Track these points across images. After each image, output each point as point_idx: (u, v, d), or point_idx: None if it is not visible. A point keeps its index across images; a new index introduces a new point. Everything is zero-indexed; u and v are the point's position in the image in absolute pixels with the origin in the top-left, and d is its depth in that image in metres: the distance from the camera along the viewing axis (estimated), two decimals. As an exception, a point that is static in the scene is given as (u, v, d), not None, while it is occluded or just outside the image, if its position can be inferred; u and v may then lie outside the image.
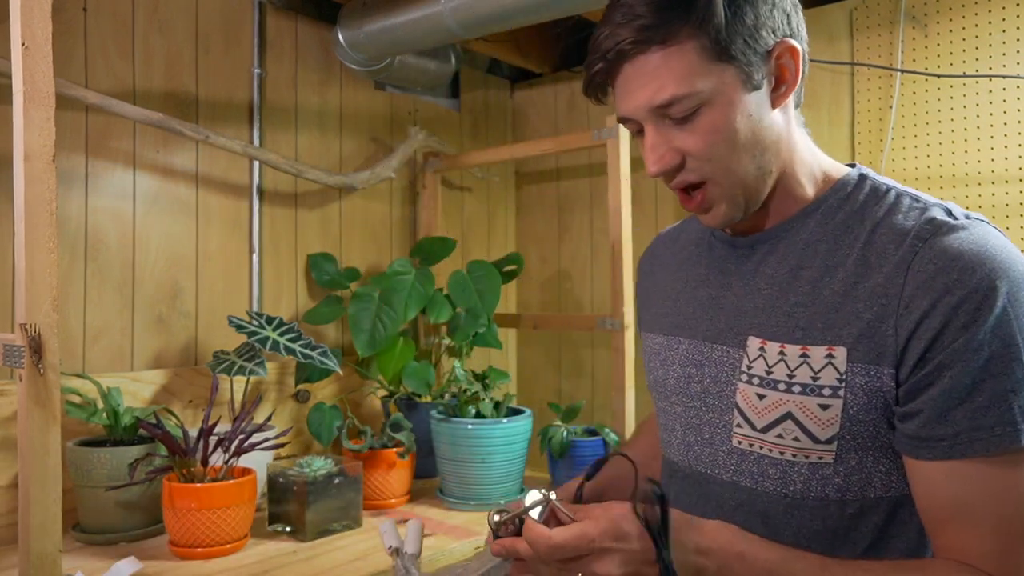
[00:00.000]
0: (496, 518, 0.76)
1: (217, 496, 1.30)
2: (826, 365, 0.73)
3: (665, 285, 0.97)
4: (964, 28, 1.76)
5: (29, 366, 0.93)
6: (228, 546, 1.32)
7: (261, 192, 1.87)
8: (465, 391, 1.74)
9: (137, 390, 1.59)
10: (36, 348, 0.93)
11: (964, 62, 1.76)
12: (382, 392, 1.95)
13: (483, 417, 1.68)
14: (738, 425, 0.80)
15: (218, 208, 1.79)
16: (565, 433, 1.73)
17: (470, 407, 1.70)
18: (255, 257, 1.84)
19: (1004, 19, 1.72)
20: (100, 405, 1.44)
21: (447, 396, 1.80)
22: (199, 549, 1.30)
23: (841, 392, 0.72)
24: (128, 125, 1.63)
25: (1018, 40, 1.70)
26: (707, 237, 0.92)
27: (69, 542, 1.35)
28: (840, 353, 0.73)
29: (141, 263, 1.66)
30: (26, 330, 0.93)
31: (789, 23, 0.78)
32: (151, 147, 1.68)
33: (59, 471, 0.95)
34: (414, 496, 1.70)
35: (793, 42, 0.77)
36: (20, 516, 0.95)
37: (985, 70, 1.74)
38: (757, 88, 0.76)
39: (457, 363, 1.87)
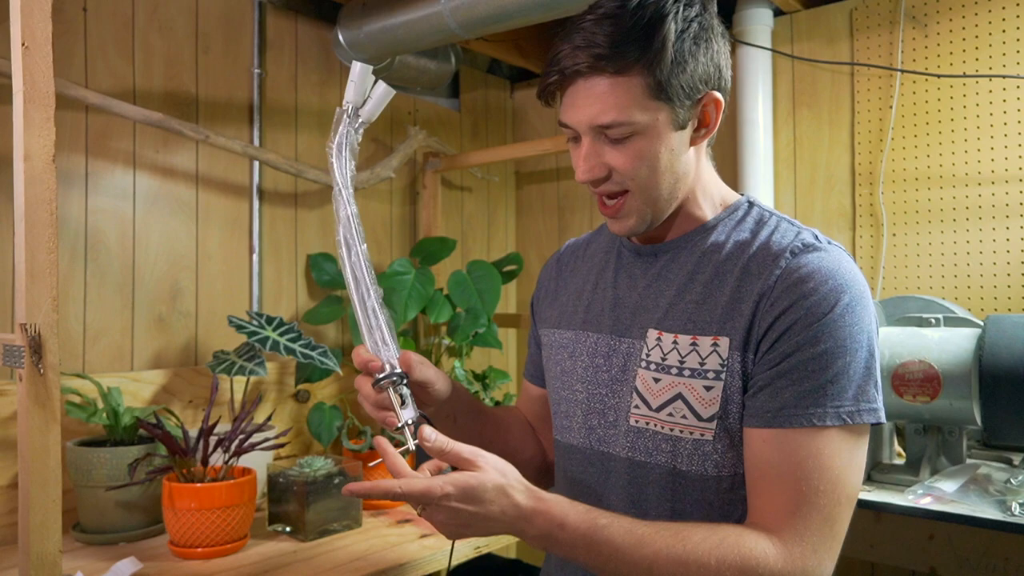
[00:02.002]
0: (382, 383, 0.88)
1: (217, 496, 1.30)
2: (712, 352, 0.86)
3: (574, 287, 1.07)
4: (964, 28, 1.76)
5: (29, 366, 0.93)
6: (228, 546, 1.32)
7: (261, 192, 1.87)
8: (465, 391, 1.74)
9: (137, 390, 1.59)
10: (36, 348, 0.93)
11: (964, 62, 1.76)
12: (382, 392, 1.95)
13: (483, 417, 1.67)
14: (635, 406, 0.91)
15: (218, 208, 1.79)
16: (565, 433, 1.73)
17: (470, 407, 1.70)
18: (255, 257, 1.84)
19: (1004, 19, 1.72)
20: (100, 405, 1.44)
21: (447, 396, 1.80)
22: (199, 549, 1.30)
23: (723, 375, 0.85)
24: (128, 125, 1.63)
25: (1018, 40, 1.70)
26: (616, 246, 1.03)
27: (69, 542, 1.35)
28: (724, 342, 0.86)
29: (141, 263, 1.66)
30: (26, 330, 0.93)
31: (720, 76, 0.89)
32: (151, 147, 1.68)
33: (59, 471, 0.95)
34: (414, 496, 1.70)
35: (718, 95, 0.89)
36: (20, 516, 0.95)
37: (985, 70, 1.74)
38: (682, 128, 0.88)
39: (457, 363, 1.88)
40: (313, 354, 1.58)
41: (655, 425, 0.89)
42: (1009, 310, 1.70)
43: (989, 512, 1.24)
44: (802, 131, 2.00)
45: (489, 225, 2.52)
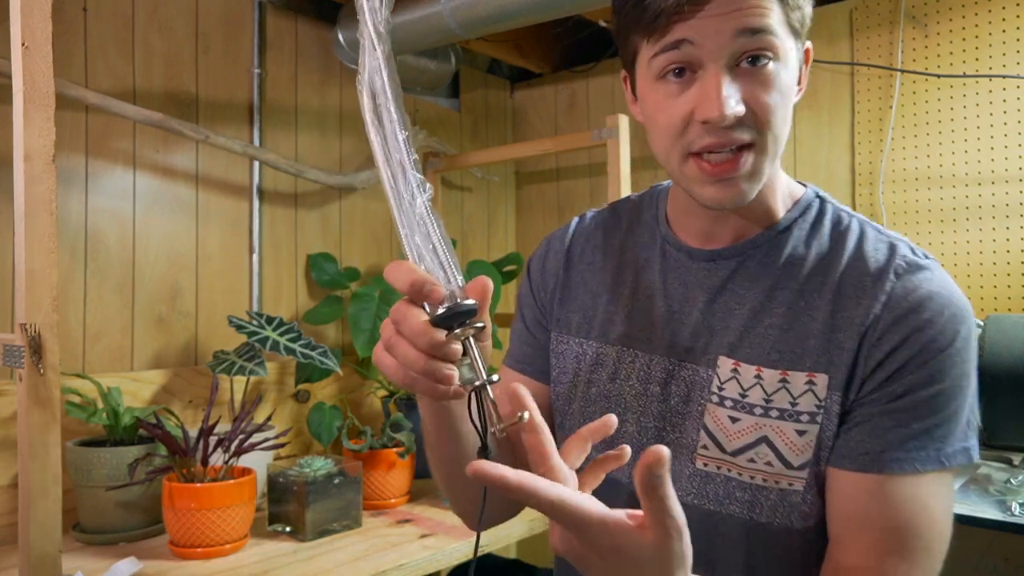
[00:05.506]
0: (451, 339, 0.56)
1: (217, 496, 1.30)
2: (806, 391, 0.74)
3: (596, 285, 0.90)
4: (964, 28, 1.76)
5: (29, 366, 0.93)
6: (228, 546, 1.32)
7: (261, 192, 1.87)
8: (465, 391, 1.73)
9: (137, 390, 1.59)
10: (36, 348, 0.93)
11: (964, 62, 1.76)
12: (382, 392, 1.95)
13: (483, 417, 1.68)
14: (703, 447, 0.77)
15: (218, 208, 1.79)
16: (565, 433, 1.73)
17: (470, 407, 1.70)
18: (255, 257, 1.84)
19: (1004, 19, 1.72)
20: (100, 405, 1.44)
21: (447, 396, 1.80)
22: (199, 549, 1.30)
23: (819, 418, 0.73)
24: (128, 125, 1.63)
25: (1018, 40, 1.70)
26: (659, 242, 0.87)
27: (69, 542, 1.35)
28: (821, 380, 0.73)
29: (141, 263, 1.66)
30: (26, 330, 0.93)
31: (809, 30, 0.77)
32: (151, 147, 1.68)
33: (59, 471, 0.95)
34: (414, 496, 1.70)
35: (811, 49, 0.77)
36: (20, 516, 0.95)
37: (985, 70, 1.74)
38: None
39: (457, 363, 1.87)
40: (313, 354, 1.58)
41: (728, 470, 0.76)
42: (1009, 310, 1.70)
43: (989, 512, 1.24)
44: (802, 131, 2.00)
45: (489, 225, 2.52)
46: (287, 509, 1.44)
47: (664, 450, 0.50)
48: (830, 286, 0.75)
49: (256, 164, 1.84)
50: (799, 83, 0.76)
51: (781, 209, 0.80)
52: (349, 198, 2.06)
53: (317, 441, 1.74)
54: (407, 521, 1.54)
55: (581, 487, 0.60)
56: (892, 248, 0.76)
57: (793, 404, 0.74)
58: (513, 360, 0.96)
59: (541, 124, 2.56)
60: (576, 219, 0.97)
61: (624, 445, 0.62)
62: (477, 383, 0.56)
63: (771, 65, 0.70)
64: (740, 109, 0.69)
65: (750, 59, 0.69)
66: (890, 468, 0.69)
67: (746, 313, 0.78)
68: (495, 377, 0.57)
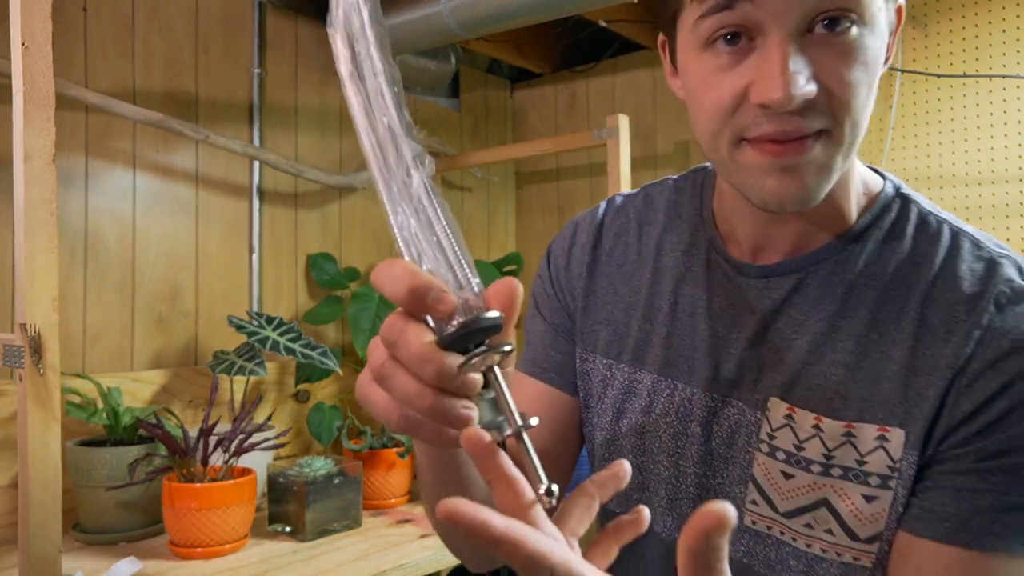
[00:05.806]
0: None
1: (217, 496, 1.30)
2: (876, 448, 0.59)
3: (629, 294, 0.75)
4: (964, 28, 1.76)
5: (29, 366, 0.93)
6: (228, 546, 1.32)
7: (261, 192, 1.87)
8: (465, 391, 1.74)
9: (137, 390, 1.59)
10: (36, 348, 0.93)
11: (964, 62, 1.76)
12: (382, 392, 1.95)
13: (483, 417, 1.68)
14: (753, 502, 0.64)
15: (218, 208, 1.79)
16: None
17: (470, 407, 1.70)
18: (255, 257, 1.84)
19: (1004, 19, 1.72)
20: (100, 405, 1.44)
21: (447, 396, 1.80)
22: (199, 549, 1.30)
23: (892, 483, 0.58)
24: (128, 125, 1.63)
25: (1018, 40, 1.70)
26: (705, 247, 0.71)
27: (69, 542, 1.35)
28: (896, 436, 0.58)
29: (141, 263, 1.66)
30: (26, 330, 0.93)
31: None
32: (151, 147, 1.68)
33: (59, 471, 0.95)
34: (414, 496, 1.70)
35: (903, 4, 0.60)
36: (20, 516, 0.95)
37: (985, 70, 1.74)
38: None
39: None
40: (313, 354, 1.58)
41: (781, 532, 0.63)
42: (1009, 310, 1.70)
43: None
44: (802, 131, 2.00)
45: (489, 225, 2.52)
46: (287, 509, 1.44)
47: (729, 510, 0.36)
48: (911, 315, 0.60)
49: (256, 164, 1.85)
50: (886, 52, 0.60)
51: (854, 211, 0.64)
52: (349, 198, 2.06)
53: (317, 441, 1.74)
54: (407, 521, 1.54)
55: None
56: (993, 267, 0.59)
57: (860, 463, 0.60)
58: (534, 365, 0.80)
59: (541, 124, 2.56)
60: (604, 203, 0.83)
61: (642, 507, 0.45)
62: (508, 431, 0.39)
63: (854, 30, 0.54)
64: (811, 89, 0.54)
65: (827, 22, 0.54)
66: (981, 544, 0.55)
67: (804, 345, 0.63)
68: (533, 421, 0.39)
